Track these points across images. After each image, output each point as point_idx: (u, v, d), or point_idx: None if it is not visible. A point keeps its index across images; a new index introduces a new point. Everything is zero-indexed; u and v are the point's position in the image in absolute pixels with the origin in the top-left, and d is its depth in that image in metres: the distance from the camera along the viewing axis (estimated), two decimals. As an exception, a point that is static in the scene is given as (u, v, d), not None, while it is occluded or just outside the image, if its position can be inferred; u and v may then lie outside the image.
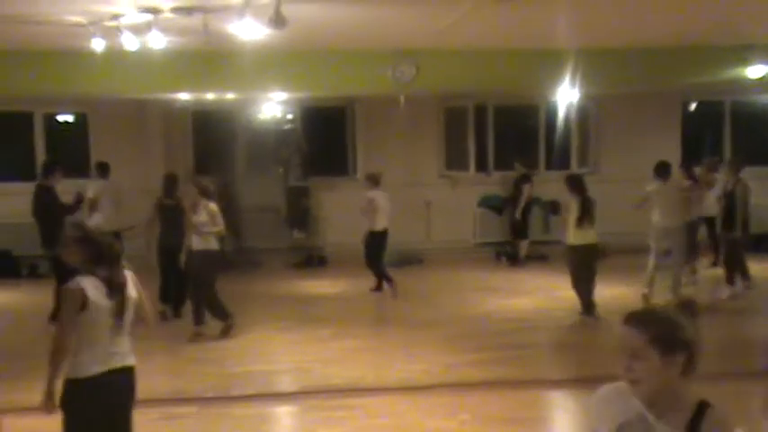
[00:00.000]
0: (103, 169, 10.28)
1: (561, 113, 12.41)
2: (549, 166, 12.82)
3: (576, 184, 8.44)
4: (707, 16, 7.53)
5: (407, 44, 8.57)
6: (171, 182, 8.79)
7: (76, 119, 12.73)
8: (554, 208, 12.45)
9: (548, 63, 9.02)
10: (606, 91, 11.10)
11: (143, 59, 7.39)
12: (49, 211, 8.38)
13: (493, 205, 12.57)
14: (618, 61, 9.45)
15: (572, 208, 8.32)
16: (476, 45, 8.78)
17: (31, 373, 6.87)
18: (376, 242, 9.65)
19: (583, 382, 6.64)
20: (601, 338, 8.01)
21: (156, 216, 8.61)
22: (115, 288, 3.73)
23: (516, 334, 8.15)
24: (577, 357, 7.44)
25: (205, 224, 7.85)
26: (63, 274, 8.42)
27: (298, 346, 7.85)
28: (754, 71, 9.51)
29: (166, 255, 8.48)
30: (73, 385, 3.70)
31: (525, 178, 11.96)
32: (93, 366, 3.69)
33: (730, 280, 9.26)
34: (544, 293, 9.95)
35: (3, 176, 11.92)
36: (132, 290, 3.86)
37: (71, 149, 12.60)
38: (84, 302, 3.63)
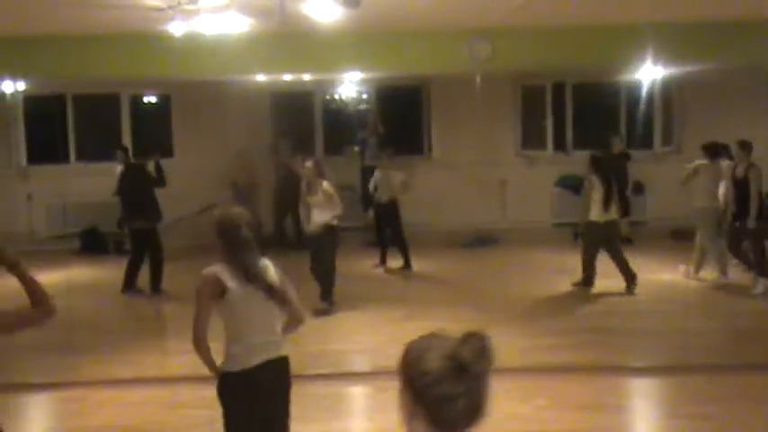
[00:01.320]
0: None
1: (643, 91, 12.00)
2: (630, 146, 12.43)
3: (598, 164, 8.66)
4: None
5: (482, 22, 8.43)
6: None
7: (160, 100, 13.09)
8: (636, 188, 12.12)
9: (627, 39, 8.71)
10: (689, 67, 10.63)
11: (220, 42, 7.51)
12: (137, 187, 9.07)
13: (571, 185, 12.29)
14: (701, 36, 9.05)
15: (596, 187, 8.50)
16: (551, 22, 8.56)
17: (113, 347, 7.22)
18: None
19: (663, 369, 6.48)
20: (682, 325, 7.78)
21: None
22: (253, 276, 3.54)
23: (595, 318, 7.99)
24: (658, 344, 7.24)
25: (322, 203, 8.12)
26: (140, 246, 8.86)
27: (372, 326, 7.89)
28: None
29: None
30: (225, 379, 3.58)
31: (625, 156, 11.56)
32: (244, 359, 3.54)
33: (762, 272, 8.51)
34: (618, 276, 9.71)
35: (91, 156, 12.40)
36: (274, 276, 3.64)
37: (155, 130, 12.98)
38: (222, 290, 3.48)
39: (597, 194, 8.51)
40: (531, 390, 5.93)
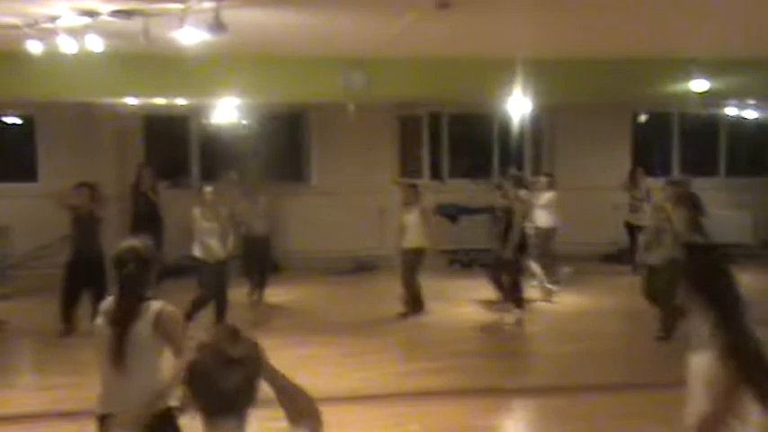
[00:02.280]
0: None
1: (515, 123, 12.49)
2: (502, 175, 12.88)
3: None
4: (654, 29, 7.65)
5: (357, 52, 8.54)
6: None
7: (24, 122, 12.44)
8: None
9: (499, 72, 9.04)
10: (557, 101, 11.20)
11: (86, 63, 7.23)
12: None
13: (447, 213, 12.59)
14: (569, 72, 9.53)
15: None
16: (426, 54, 8.78)
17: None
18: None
19: (535, 390, 6.70)
20: (555, 348, 8.08)
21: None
22: (113, 316, 3.29)
23: (470, 342, 8.18)
24: (530, 366, 7.47)
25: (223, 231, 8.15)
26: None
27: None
28: (697, 85, 9.69)
29: None
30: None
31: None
32: (98, 404, 3.33)
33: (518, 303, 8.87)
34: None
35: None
36: (146, 327, 3.28)
37: (18, 153, 12.30)
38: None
39: None
40: (406, 415, 5.97)
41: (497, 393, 6.63)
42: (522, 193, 9.28)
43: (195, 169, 12.72)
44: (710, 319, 2.74)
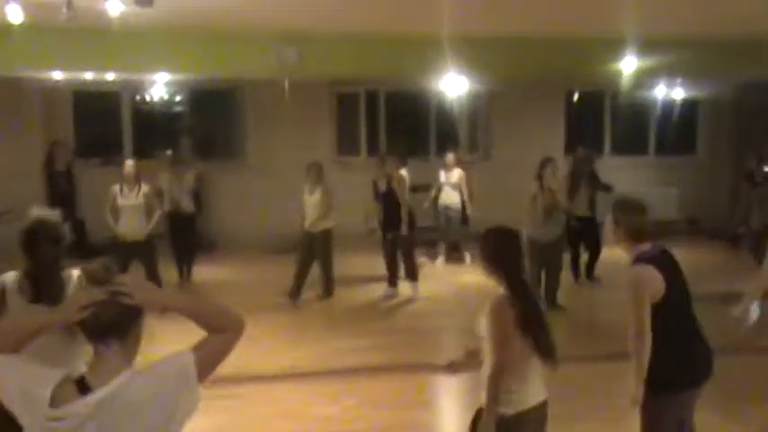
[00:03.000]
0: None
1: (451, 101, 12.59)
2: (439, 153, 12.99)
3: None
4: (585, 7, 7.77)
5: (290, 28, 8.45)
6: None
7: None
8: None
9: (433, 50, 9.08)
10: (492, 79, 11.31)
11: (7, 35, 6.96)
12: None
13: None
14: (503, 50, 9.62)
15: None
16: (361, 30, 8.74)
17: None
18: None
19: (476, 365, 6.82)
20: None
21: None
22: (46, 292, 3.28)
23: (406, 319, 8.26)
24: (462, 341, 7.58)
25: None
26: None
27: (181, 334, 7.59)
28: (627, 64, 9.90)
29: None
30: None
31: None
32: None
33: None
34: (435, 280, 10.13)
35: None
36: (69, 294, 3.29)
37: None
38: (3, 302, 3.30)
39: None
40: (341, 391, 6.02)
41: (431, 369, 6.73)
42: (403, 170, 9.37)
43: (128, 146, 12.44)
44: (501, 282, 3.38)
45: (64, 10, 5.24)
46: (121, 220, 8.00)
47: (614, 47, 9.71)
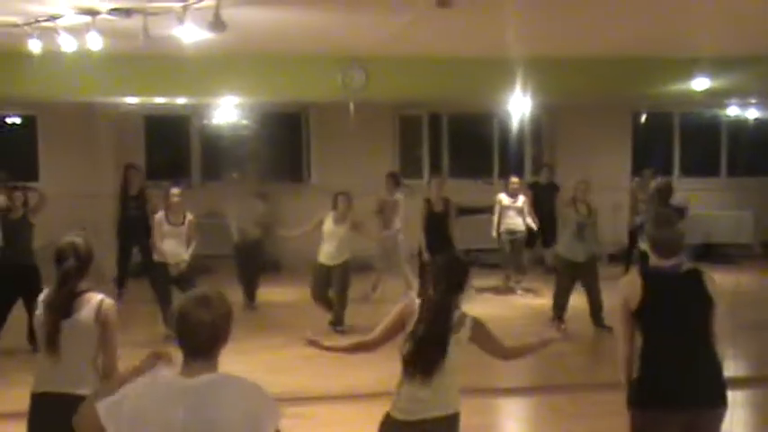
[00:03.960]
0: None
1: (515, 122, 12.50)
2: (502, 175, 12.90)
3: None
4: (654, 28, 7.65)
5: (356, 51, 8.55)
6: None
7: (25, 122, 12.45)
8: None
9: (499, 72, 9.05)
10: (558, 100, 11.21)
11: (87, 62, 7.24)
12: None
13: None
14: (568, 71, 9.52)
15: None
16: (426, 53, 8.79)
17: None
18: None
19: (526, 389, 6.70)
20: (551, 346, 8.07)
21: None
22: (51, 307, 3.57)
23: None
24: (526, 365, 7.46)
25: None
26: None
27: (247, 354, 7.73)
28: (698, 84, 9.68)
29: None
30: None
31: (553, 186, 11.78)
32: (34, 383, 3.66)
33: None
34: (501, 301, 10.02)
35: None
36: (83, 316, 3.55)
37: (18, 153, 12.32)
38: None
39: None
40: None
41: (491, 392, 6.64)
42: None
43: (196, 169, 12.74)
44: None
45: (141, 37, 5.43)
46: (165, 246, 8.05)
47: (684, 66, 9.52)
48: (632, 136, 13.39)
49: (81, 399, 2.94)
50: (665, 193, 9.45)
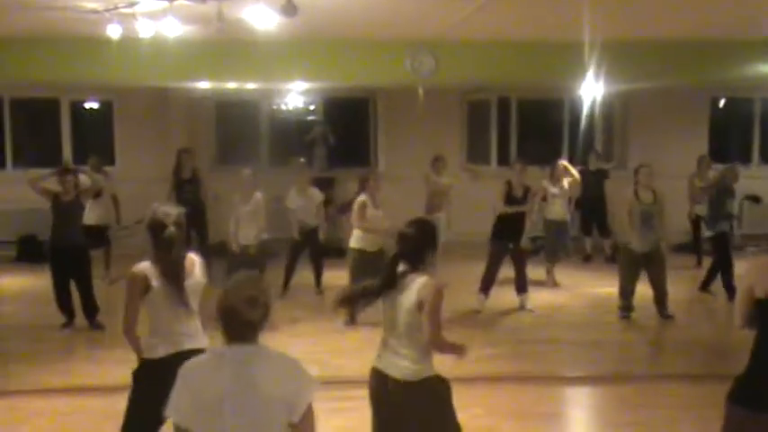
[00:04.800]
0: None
1: (586, 108, 12.24)
2: (572, 162, 12.67)
3: None
4: (733, 9, 7.38)
5: (425, 35, 8.51)
6: None
7: (102, 107, 12.87)
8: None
9: (570, 55, 8.87)
10: (630, 85, 10.91)
11: (161, 48, 7.44)
12: None
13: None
14: (642, 55, 9.28)
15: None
16: (495, 37, 8.69)
17: (46, 356, 7.04)
18: None
19: (594, 379, 6.62)
20: (618, 336, 7.97)
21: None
22: (170, 273, 3.81)
23: (533, 329, 8.11)
24: (592, 354, 7.38)
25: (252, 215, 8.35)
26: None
27: (312, 336, 7.87)
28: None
29: None
30: (142, 364, 3.92)
31: (603, 173, 11.48)
32: (160, 348, 3.83)
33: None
34: (564, 290, 9.89)
35: (30, 163, 12.10)
36: (197, 275, 3.94)
37: (96, 137, 12.74)
38: (147, 287, 3.80)
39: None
40: (468, 399, 5.91)
41: (557, 381, 6.58)
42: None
43: (264, 154, 12.94)
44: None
45: (215, 22, 5.54)
46: (239, 227, 8.25)
47: (764, 48, 9.14)
48: (709, 122, 12.96)
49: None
50: (730, 180, 9.15)
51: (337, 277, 10.72)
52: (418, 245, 3.65)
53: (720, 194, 9.06)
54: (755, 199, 9.21)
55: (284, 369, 2.51)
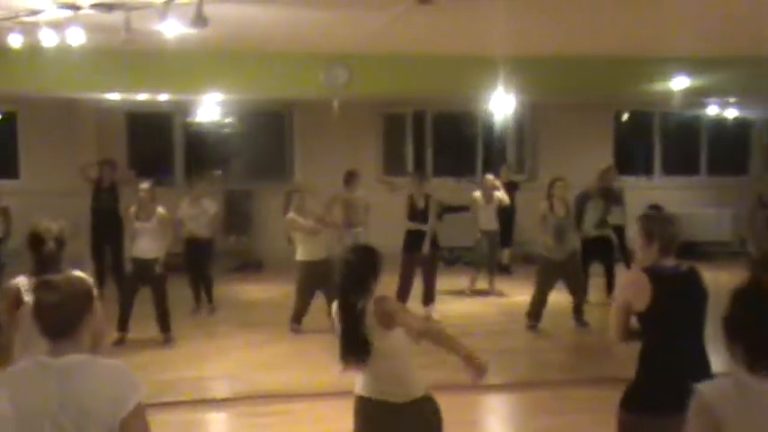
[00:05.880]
0: None
1: (498, 121, 12.55)
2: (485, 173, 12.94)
3: None
4: (636, 28, 7.71)
5: (340, 49, 8.55)
6: None
7: (6, 117, 12.34)
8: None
9: (482, 69, 9.09)
10: (540, 99, 11.27)
11: (68, 57, 7.19)
12: None
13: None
14: (550, 70, 9.58)
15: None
16: (409, 51, 8.80)
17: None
18: None
19: (512, 386, 6.75)
20: (532, 343, 8.15)
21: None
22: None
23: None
24: (507, 362, 7.52)
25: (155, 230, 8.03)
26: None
27: (231, 351, 7.78)
28: (677, 83, 9.77)
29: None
30: None
31: (513, 185, 11.66)
32: None
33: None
34: (479, 299, 10.07)
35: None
36: None
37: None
38: (18, 300, 3.70)
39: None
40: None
41: (473, 389, 6.67)
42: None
43: (179, 167, 12.70)
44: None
45: (122, 33, 5.41)
46: (137, 242, 7.95)
47: (665, 66, 9.60)
48: (614, 135, 13.49)
49: None
50: (598, 187, 9.50)
51: (254, 291, 10.65)
52: (361, 272, 3.61)
53: (581, 202, 9.31)
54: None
55: (108, 376, 2.46)
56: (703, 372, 3.42)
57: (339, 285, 3.64)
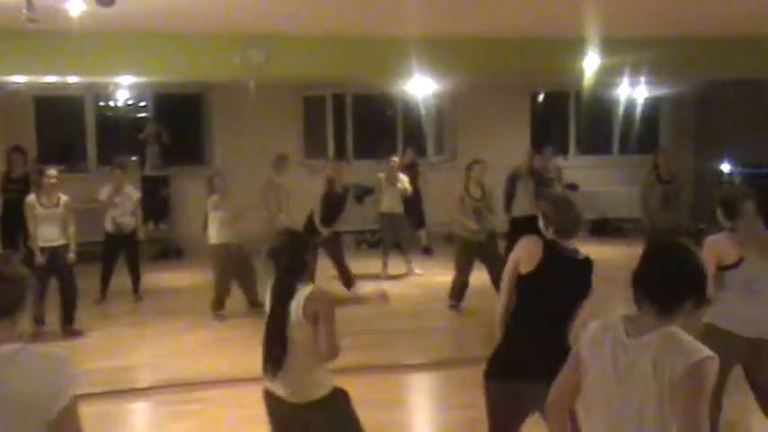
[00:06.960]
0: None
1: (418, 102, 12.64)
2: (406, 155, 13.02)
3: None
4: (548, 8, 7.85)
5: (257, 29, 8.41)
6: None
7: None
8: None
9: (398, 51, 9.09)
10: (457, 80, 11.37)
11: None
12: None
13: (354, 195, 12.58)
14: (465, 51, 9.65)
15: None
16: (326, 32, 8.73)
17: None
18: None
19: (435, 364, 6.86)
20: (453, 322, 8.29)
21: None
22: None
23: (371, 320, 8.24)
24: (430, 341, 7.63)
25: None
26: None
27: (150, 340, 7.66)
28: (589, 63, 10.01)
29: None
30: None
31: (413, 166, 11.79)
32: None
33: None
34: (404, 280, 10.16)
35: None
36: None
37: None
38: None
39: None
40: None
41: (395, 369, 6.75)
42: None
43: (92, 152, 12.28)
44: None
45: (24, 10, 5.15)
46: (42, 230, 7.65)
47: (577, 46, 9.80)
48: (531, 115, 13.77)
49: None
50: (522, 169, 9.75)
51: (174, 279, 10.45)
52: (296, 253, 3.55)
53: (511, 182, 9.65)
54: (573, 187, 9.91)
55: (42, 367, 2.32)
56: (548, 362, 2.98)
57: (281, 267, 3.53)
